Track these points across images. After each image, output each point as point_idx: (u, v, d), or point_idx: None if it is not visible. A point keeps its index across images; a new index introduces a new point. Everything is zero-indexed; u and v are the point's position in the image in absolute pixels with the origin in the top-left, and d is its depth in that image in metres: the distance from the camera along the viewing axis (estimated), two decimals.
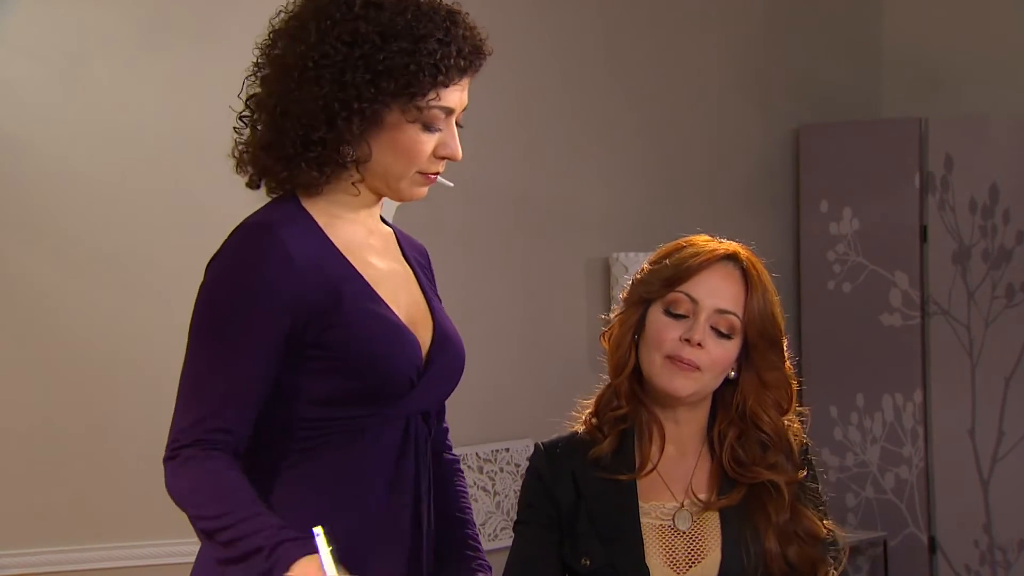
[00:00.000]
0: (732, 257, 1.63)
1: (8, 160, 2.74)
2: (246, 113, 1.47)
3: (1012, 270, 4.05)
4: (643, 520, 1.62)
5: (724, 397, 1.66)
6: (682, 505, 1.63)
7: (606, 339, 1.70)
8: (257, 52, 1.47)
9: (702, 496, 1.63)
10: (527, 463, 1.73)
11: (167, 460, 1.36)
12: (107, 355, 2.75)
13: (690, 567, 1.59)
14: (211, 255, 1.43)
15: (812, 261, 4.33)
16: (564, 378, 3.37)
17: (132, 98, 2.81)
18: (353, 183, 1.45)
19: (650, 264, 1.67)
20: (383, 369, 1.41)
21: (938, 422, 4.01)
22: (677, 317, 1.61)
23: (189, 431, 1.34)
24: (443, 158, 1.47)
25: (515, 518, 1.69)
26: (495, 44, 1.50)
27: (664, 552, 1.60)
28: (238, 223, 1.45)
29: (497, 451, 3.59)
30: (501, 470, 3.59)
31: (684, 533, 1.61)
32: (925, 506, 3.99)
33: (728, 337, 1.61)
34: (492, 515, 3.54)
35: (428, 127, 1.44)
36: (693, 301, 1.60)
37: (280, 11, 1.47)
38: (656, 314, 1.63)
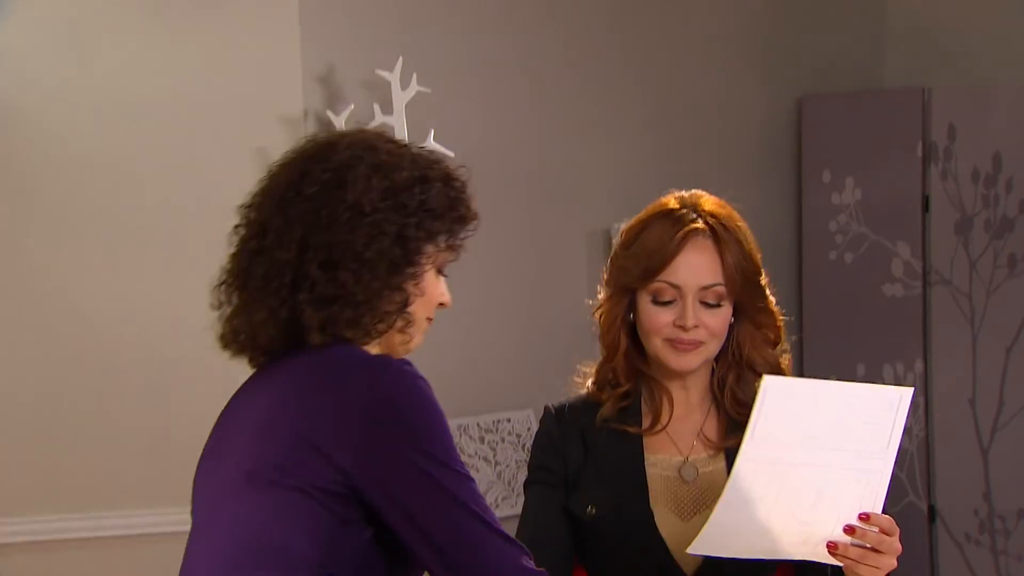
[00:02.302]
0: (698, 231, 1.62)
1: (14, 134, 2.74)
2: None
3: (1014, 240, 4.04)
4: (649, 470, 1.64)
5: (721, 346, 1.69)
6: (687, 459, 1.64)
7: (598, 317, 1.72)
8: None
9: (712, 439, 1.67)
10: (537, 426, 1.76)
11: None
12: (113, 326, 2.75)
13: (695, 514, 1.61)
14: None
15: (814, 231, 4.33)
16: (565, 349, 3.36)
17: (140, 69, 2.81)
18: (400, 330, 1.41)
19: (622, 247, 1.67)
20: None
21: (938, 392, 4.02)
22: (665, 304, 1.62)
23: (530, 567, 1.33)
24: (441, 305, 1.47)
25: (526, 478, 1.72)
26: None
27: (669, 499, 1.62)
28: (351, 356, 1.36)
29: (498, 421, 3.60)
30: (502, 440, 3.61)
31: (690, 483, 1.64)
32: (925, 475, 4.01)
33: (719, 305, 1.63)
34: (494, 485, 3.56)
35: (441, 271, 1.47)
36: (675, 287, 1.62)
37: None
38: (644, 303, 1.65)
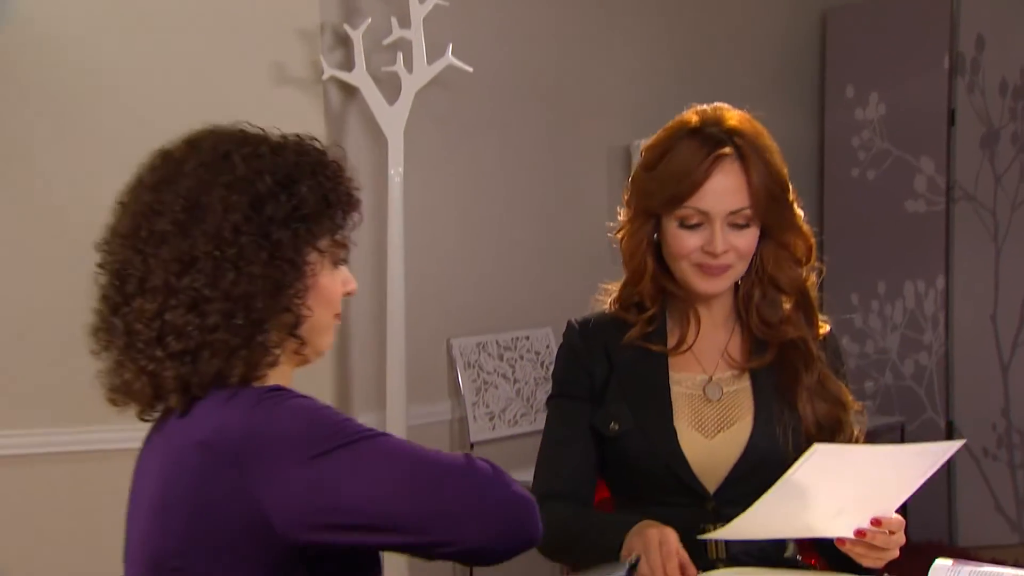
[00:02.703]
0: (725, 156, 1.59)
1: (27, 45, 2.72)
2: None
3: None
4: (673, 388, 1.64)
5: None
6: (711, 378, 1.64)
7: (620, 239, 1.69)
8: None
9: (737, 359, 1.65)
10: (557, 344, 1.75)
11: None
12: None
13: (718, 432, 1.61)
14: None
15: (836, 148, 4.27)
16: (585, 266, 3.37)
17: None
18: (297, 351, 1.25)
19: (645, 169, 1.64)
20: None
21: (960, 308, 4.00)
22: (692, 227, 1.60)
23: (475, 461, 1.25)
24: (347, 293, 1.30)
25: (549, 392, 1.72)
26: None
27: (693, 417, 1.62)
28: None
29: (517, 339, 3.61)
30: (521, 358, 3.62)
31: (714, 402, 1.64)
32: (944, 391, 4.01)
33: (746, 226, 1.61)
34: (512, 402, 3.59)
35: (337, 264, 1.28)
36: (703, 212, 1.59)
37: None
38: (671, 227, 1.62)
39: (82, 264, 1.31)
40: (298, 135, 1.28)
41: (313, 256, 1.22)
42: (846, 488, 1.41)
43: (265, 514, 1.09)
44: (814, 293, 1.68)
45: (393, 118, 3.07)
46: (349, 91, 3.11)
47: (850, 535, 1.45)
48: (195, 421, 1.16)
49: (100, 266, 1.22)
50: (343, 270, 1.28)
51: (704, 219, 1.59)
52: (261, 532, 1.09)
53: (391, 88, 3.07)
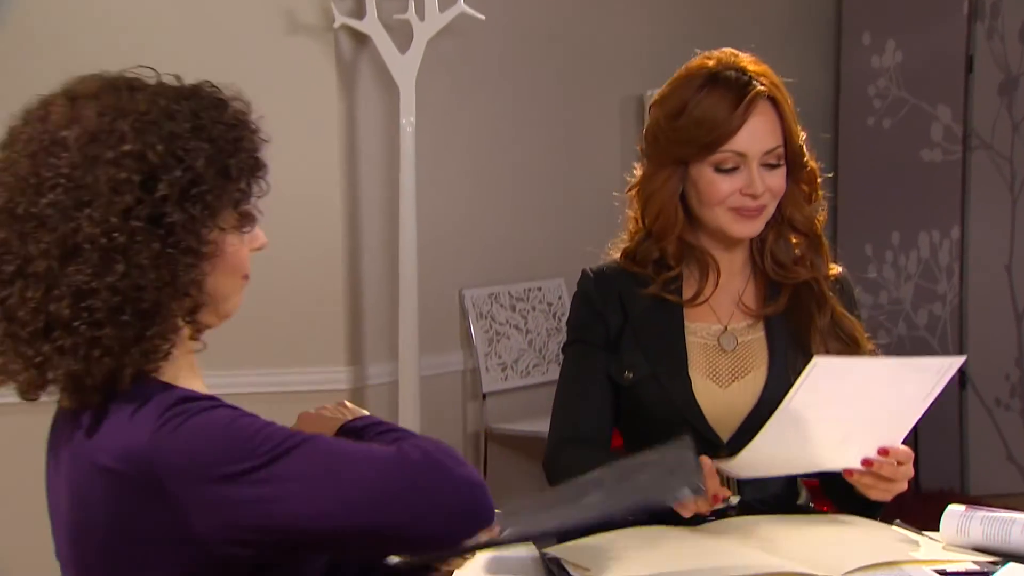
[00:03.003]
0: (759, 96, 1.58)
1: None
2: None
3: None
4: (688, 338, 1.64)
5: None
6: (726, 328, 1.64)
7: (636, 195, 1.67)
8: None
9: (751, 306, 1.65)
10: (570, 294, 1.74)
11: None
12: None
13: (733, 381, 1.62)
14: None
15: (852, 96, 4.23)
16: (598, 217, 3.35)
17: None
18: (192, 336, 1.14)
19: (669, 119, 1.60)
20: None
21: (974, 258, 3.98)
22: (728, 171, 1.59)
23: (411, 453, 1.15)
24: (257, 250, 1.17)
25: (565, 340, 1.71)
26: None
27: (707, 366, 1.62)
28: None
29: (529, 290, 3.62)
30: (533, 308, 3.63)
31: (729, 352, 1.63)
32: (957, 342, 4.00)
33: (779, 165, 1.61)
34: (524, 352, 3.60)
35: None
36: (740, 155, 1.58)
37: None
38: (704, 172, 1.59)
39: None
40: (197, 84, 1.12)
41: (214, 234, 1.08)
42: (849, 409, 1.40)
43: (193, 535, 1.02)
44: (821, 231, 1.67)
45: (405, 67, 3.04)
46: (360, 39, 3.09)
47: (857, 465, 1.44)
48: (100, 439, 1.06)
49: None
50: (250, 233, 1.14)
51: (740, 162, 1.58)
52: (190, 549, 1.03)
53: (403, 36, 3.05)
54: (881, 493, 1.48)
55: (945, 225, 4.01)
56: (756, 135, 1.57)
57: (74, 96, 1.09)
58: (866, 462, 1.44)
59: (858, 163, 4.15)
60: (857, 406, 1.40)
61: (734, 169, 1.58)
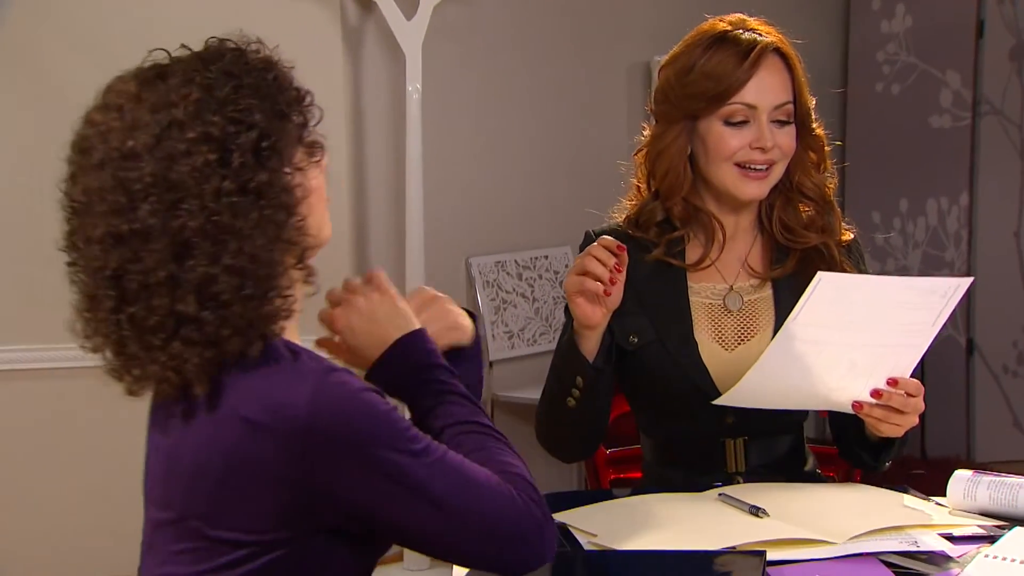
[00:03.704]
0: (769, 48, 1.58)
1: None
2: None
3: None
4: (692, 299, 1.63)
5: None
6: (731, 288, 1.63)
7: (644, 156, 1.66)
8: None
9: (758, 269, 1.64)
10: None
11: None
12: None
13: (739, 344, 1.61)
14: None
15: (861, 62, 4.19)
16: (604, 185, 3.34)
17: None
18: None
19: (678, 76, 1.60)
20: None
21: (983, 225, 3.96)
22: (738, 124, 1.58)
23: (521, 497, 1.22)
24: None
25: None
26: None
27: (712, 328, 1.61)
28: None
29: (536, 258, 3.61)
30: (540, 277, 3.63)
31: (734, 313, 1.62)
32: (964, 309, 3.99)
33: (789, 123, 1.60)
34: (531, 320, 3.60)
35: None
36: (751, 107, 1.57)
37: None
38: (714, 126, 1.58)
39: None
40: (211, 46, 1.14)
41: (297, 177, 1.13)
42: (855, 332, 1.38)
43: (314, 486, 1.07)
44: (832, 199, 1.66)
45: (411, 33, 3.02)
46: (366, 5, 3.07)
47: (867, 398, 1.43)
48: (235, 393, 1.09)
49: (74, 267, 1.11)
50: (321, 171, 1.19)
51: (750, 115, 1.57)
52: (299, 495, 1.08)
53: (408, 2, 3.03)
54: (891, 428, 1.45)
55: (954, 192, 3.99)
56: (765, 87, 1.57)
57: (119, 106, 1.11)
58: (875, 393, 1.42)
59: (866, 129, 4.13)
60: (863, 328, 1.38)
61: (743, 123, 1.57)
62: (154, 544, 1.16)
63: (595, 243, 1.50)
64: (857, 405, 1.44)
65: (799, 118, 1.60)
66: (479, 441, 1.16)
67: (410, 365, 1.20)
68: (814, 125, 1.63)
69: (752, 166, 1.58)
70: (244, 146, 1.08)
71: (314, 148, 1.16)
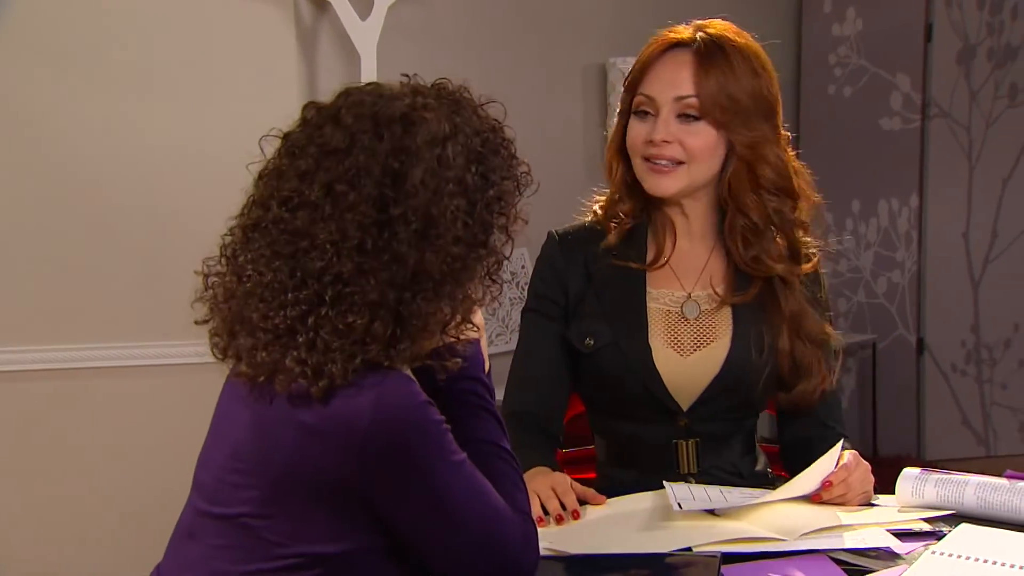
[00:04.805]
0: (680, 43, 1.58)
1: None
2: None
3: (1016, 69, 3.97)
4: (650, 305, 1.63)
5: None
6: (689, 296, 1.63)
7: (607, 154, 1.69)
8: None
9: (719, 290, 1.63)
10: (533, 260, 1.72)
11: None
12: (109, 162, 2.73)
13: (695, 351, 1.61)
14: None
15: (813, 65, 4.24)
16: (560, 186, 3.34)
17: None
18: None
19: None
20: None
21: (933, 225, 4.03)
22: (643, 115, 1.58)
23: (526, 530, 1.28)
24: None
25: (525, 304, 1.70)
26: None
27: (668, 335, 1.62)
28: None
29: None
30: None
31: (691, 321, 1.62)
32: (915, 309, 4.06)
33: (697, 119, 1.56)
34: (488, 322, 3.60)
35: None
36: (650, 98, 1.57)
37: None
38: (631, 120, 1.61)
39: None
40: (459, 96, 1.25)
41: (501, 239, 1.19)
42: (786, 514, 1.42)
43: (356, 488, 1.10)
44: (800, 232, 1.62)
45: (365, 33, 3.01)
46: (320, 5, 3.05)
47: (816, 491, 1.45)
48: (311, 403, 1.10)
49: (274, 250, 1.12)
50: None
51: (654, 108, 1.57)
52: (347, 499, 1.11)
53: (363, 2, 3.02)
54: (857, 497, 1.46)
55: (904, 193, 4.04)
56: (665, 79, 1.56)
57: (399, 139, 1.14)
58: (816, 497, 1.44)
59: (819, 131, 4.18)
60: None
61: (647, 115, 1.58)
62: (195, 533, 1.18)
63: (563, 492, 1.44)
64: (816, 498, 1.45)
65: (735, 128, 1.56)
66: (502, 468, 1.20)
67: (459, 372, 1.21)
68: (771, 150, 1.58)
69: (654, 160, 1.58)
70: (489, 203, 1.15)
71: (517, 219, 1.21)
